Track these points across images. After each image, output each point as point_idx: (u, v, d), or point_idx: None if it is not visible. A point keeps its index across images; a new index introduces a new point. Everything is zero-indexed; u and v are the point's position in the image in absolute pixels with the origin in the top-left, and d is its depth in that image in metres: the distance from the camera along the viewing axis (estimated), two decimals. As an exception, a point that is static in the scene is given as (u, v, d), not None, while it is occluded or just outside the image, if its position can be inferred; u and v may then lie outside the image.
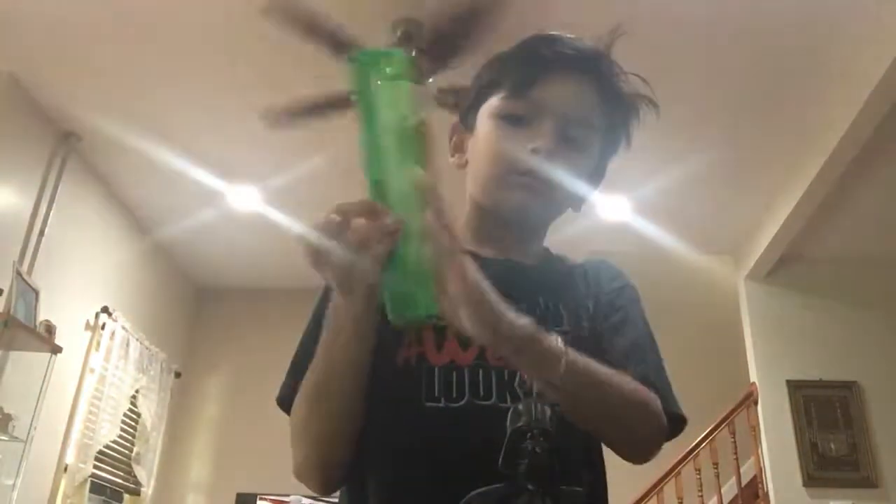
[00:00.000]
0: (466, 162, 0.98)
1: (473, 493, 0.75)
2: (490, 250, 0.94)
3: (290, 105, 3.05)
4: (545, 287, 0.93)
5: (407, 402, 0.84)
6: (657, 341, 0.97)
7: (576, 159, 0.94)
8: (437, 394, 0.84)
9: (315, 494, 0.97)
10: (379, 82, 0.68)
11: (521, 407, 0.79)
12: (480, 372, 0.85)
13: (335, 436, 0.84)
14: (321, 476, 0.86)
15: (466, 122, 1.00)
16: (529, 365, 0.75)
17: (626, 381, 0.82)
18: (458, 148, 1.01)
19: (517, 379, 0.83)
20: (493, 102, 0.95)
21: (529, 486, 0.74)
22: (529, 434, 0.77)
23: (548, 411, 0.78)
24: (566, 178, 0.93)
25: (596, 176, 1.02)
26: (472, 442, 0.80)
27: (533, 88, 0.93)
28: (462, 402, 0.83)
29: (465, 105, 1.01)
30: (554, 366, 0.73)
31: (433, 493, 0.79)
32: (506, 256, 0.95)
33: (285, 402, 0.91)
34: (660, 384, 0.89)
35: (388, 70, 0.69)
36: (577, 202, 1.01)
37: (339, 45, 2.84)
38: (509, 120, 0.93)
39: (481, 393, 0.84)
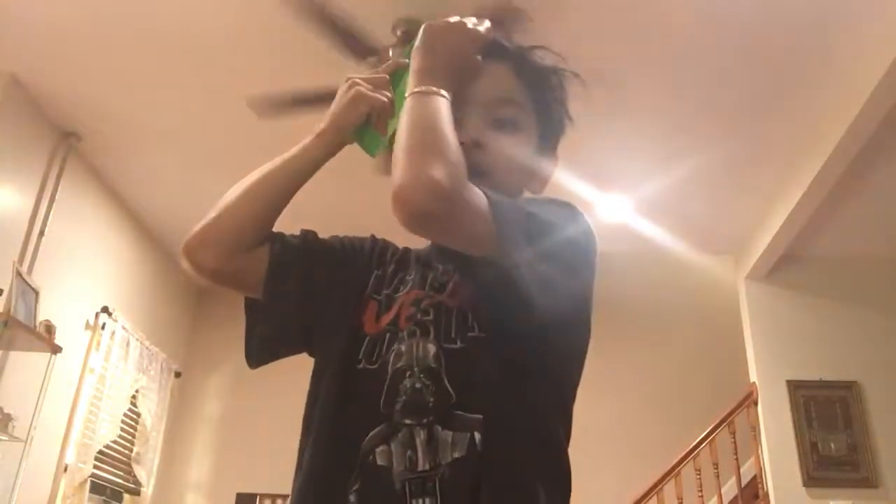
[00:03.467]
0: None
1: (366, 439, 0.81)
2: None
3: (281, 95, 3.04)
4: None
5: (345, 363, 0.89)
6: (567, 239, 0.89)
7: (511, 140, 0.95)
8: (360, 356, 0.88)
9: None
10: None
11: (402, 347, 0.84)
12: (388, 335, 0.88)
13: (253, 213, 0.95)
14: (220, 240, 0.94)
15: None
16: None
17: (454, 148, 0.80)
18: None
19: (413, 319, 0.87)
20: None
21: (406, 422, 0.79)
22: (409, 372, 0.82)
23: (431, 349, 0.83)
24: (503, 161, 0.94)
25: (545, 153, 1.01)
26: (372, 394, 0.84)
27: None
28: (376, 366, 0.87)
29: None
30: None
31: (337, 443, 0.84)
32: None
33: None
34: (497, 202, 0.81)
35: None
36: (531, 183, 1.00)
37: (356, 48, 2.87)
38: None
39: (383, 352, 0.87)
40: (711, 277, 4.95)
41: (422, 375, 0.82)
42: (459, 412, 0.79)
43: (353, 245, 1.02)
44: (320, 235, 1.03)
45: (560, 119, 1.02)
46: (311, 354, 0.97)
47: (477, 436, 0.78)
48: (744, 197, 4.18)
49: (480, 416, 0.79)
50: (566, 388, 0.91)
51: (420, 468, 0.78)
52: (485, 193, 0.80)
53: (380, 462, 0.80)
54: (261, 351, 0.98)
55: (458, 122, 0.93)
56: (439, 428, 0.79)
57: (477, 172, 0.91)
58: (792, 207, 3.86)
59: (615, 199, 4.16)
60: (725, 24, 3.01)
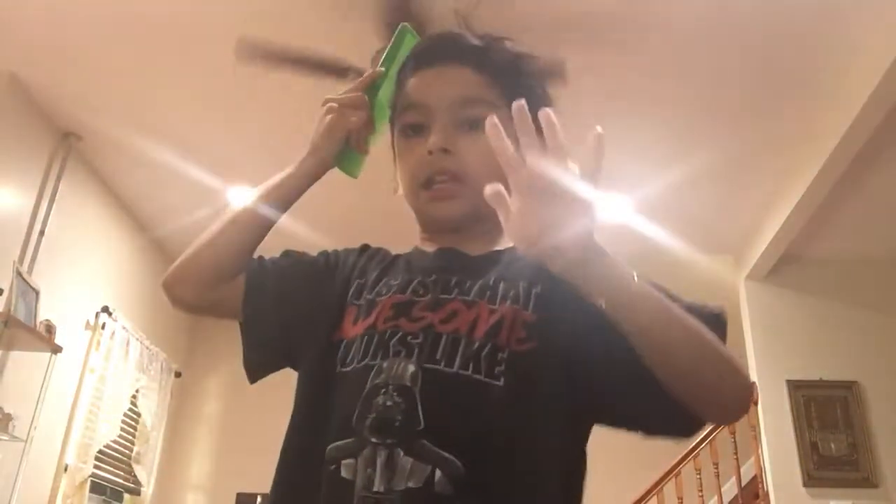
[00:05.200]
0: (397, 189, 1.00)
1: (331, 446, 0.80)
2: (438, 245, 0.98)
3: (276, 48, 2.91)
4: (489, 269, 0.91)
5: (322, 369, 0.89)
6: None
7: (481, 139, 0.88)
8: (336, 360, 0.88)
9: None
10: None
11: (384, 364, 0.83)
12: (366, 337, 0.87)
13: (232, 245, 0.97)
14: (199, 274, 0.97)
15: (393, 150, 1.02)
16: (599, 277, 0.72)
17: (703, 328, 0.75)
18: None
19: (396, 337, 0.85)
20: (396, 123, 0.99)
21: (372, 439, 0.78)
22: (384, 389, 0.81)
23: (410, 368, 0.81)
24: (476, 162, 0.91)
25: None
26: (344, 401, 0.83)
27: (414, 93, 0.95)
28: (349, 368, 0.86)
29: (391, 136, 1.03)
30: (625, 281, 0.72)
31: (311, 445, 0.83)
32: (451, 247, 0.97)
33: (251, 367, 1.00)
34: None
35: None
36: None
37: (329, 69, 2.85)
38: (410, 131, 0.96)
39: (360, 355, 0.86)
40: (711, 277, 4.94)
41: (394, 393, 0.80)
42: (426, 442, 0.77)
43: (337, 258, 1.02)
44: (310, 252, 1.04)
45: (541, 99, 0.97)
46: (295, 369, 0.97)
47: (437, 473, 0.75)
48: (744, 197, 4.18)
49: (448, 456, 0.76)
50: (584, 448, 0.88)
51: (374, 488, 0.76)
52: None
53: (343, 474, 0.78)
54: (251, 371, 1.01)
55: (425, 131, 0.93)
56: (401, 452, 0.77)
57: (452, 177, 0.91)
58: (792, 208, 3.86)
59: (615, 199, 4.17)
60: (725, 24, 3.01)
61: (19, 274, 3.42)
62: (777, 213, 4.09)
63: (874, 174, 3.76)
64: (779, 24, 2.99)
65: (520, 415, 0.80)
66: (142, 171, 4.21)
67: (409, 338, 0.84)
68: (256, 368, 1.00)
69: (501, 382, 0.80)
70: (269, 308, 0.97)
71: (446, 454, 0.76)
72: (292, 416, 0.90)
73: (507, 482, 0.77)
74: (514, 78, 0.96)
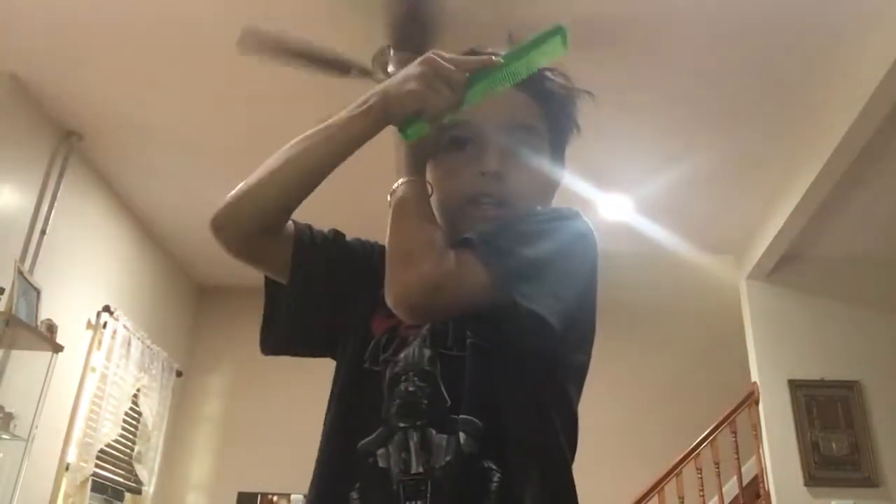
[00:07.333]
0: (432, 190, 0.99)
1: (361, 442, 0.83)
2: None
3: (280, 39, 2.84)
4: None
5: (353, 365, 0.92)
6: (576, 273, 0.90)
7: (529, 168, 0.96)
8: (365, 357, 0.91)
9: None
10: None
11: (401, 355, 0.87)
12: (385, 336, 0.91)
13: (280, 192, 0.91)
14: (242, 221, 0.92)
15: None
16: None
17: (423, 237, 0.83)
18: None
19: (418, 339, 0.88)
20: (443, 133, 0.97)
21: (401, 424, 0.82)
22: (404, 377, 0.85)
23: (427, 353, 0.85)
24: (523, 190, 0.94)
25: (555, 164, 1.03)
26: (371, 396, 0.86)
27: (468, 109, 0.93)
28: (378, 368, 0.89)
29: None
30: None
31: (343, 442, 0.86)
32: None
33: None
34: (503, 262, 0.81)
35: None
36: (545, 200, 1.02)
37: (333, 65, 2.84)
38: (455, 144, 0.95)
39: (388, 353, 0.89)
40: (712, 277, 4.94)
41: (416, 378, 0.83)
42: (455, 417, 0.80)
43: (370, 249, 1.04)
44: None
45: (569, 130, 1.03)
46: (332, 357, 0.98)
47: (462, 436, 0.79)
48: (745, 197, 4.17)
49: (468, 417, 0.80)
50: (570, 395, 0.91)
51: (413, 471, 0.79)
52: (474, 248, 0.81)
53: (381, 464, 0.81)
54: (278, 341, 0.98)
55: (471, 147, 0.94)
56: (433, 431, 0.80)
57: (497, 202, 0.92)
58: (793, 207, 3.86)
59: (616, 198, 4.16)
60: (726, 24, 3.01)
61: (20, 273, 3.42)
62: (778, 212, 4.08)
63: (875, 174, 3.76)
64: (779, 23, 2.99)
65: (515, 369, 0.85)
66: (143, 170, 4.21)
67: (428, 335, 0.88)
68: (289, 341, 0.98)
69: (495, 348, 0.85)
70: (320, 280, 0.96)
71: (466, 416, 0.80)
72: (327, 415, 0.92)
73: (517, 430, 0.82)
74: (561, 111, 0.99)
